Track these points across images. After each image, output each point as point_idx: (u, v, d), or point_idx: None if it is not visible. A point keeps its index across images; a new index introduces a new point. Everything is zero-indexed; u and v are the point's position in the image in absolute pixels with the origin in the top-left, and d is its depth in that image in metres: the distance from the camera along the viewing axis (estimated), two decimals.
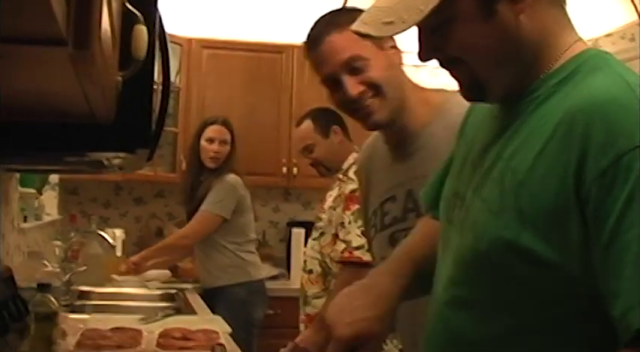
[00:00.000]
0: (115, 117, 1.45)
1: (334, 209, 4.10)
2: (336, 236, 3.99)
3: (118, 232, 5.68)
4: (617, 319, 1.33)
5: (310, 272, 4.19)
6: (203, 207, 5.12)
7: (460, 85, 1.61)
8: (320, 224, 4.22)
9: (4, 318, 2.20)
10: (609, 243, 1.34)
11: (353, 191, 3.95)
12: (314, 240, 4.23)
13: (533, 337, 1.48)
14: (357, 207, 3.89)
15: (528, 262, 1.43)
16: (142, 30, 1.45)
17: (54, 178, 5.41)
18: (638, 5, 5.91)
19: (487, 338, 1.53)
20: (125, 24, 1.43)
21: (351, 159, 4.20)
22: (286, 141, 6.28)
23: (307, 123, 4.46)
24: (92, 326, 3.42)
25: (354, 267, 3.76)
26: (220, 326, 3.64)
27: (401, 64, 2.32)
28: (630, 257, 1.31)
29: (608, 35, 6.30)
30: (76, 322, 3.47)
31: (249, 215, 5.37)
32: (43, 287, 2.69)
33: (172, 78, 6.15)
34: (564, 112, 1.43)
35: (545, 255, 1.41)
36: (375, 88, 2.24)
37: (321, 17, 2.34)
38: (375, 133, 2.49)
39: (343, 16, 2.22)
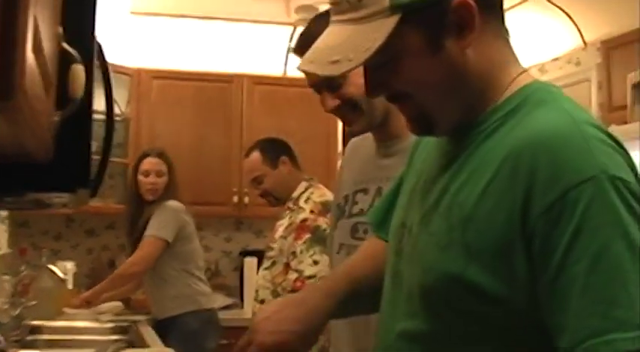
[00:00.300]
0: (54, 156, 1.44)
1: (285, 238, 4.10)
2: (287, 265, 3.99)
3: (69, 265, 5.64)
4: None
5: (262, 301, 4.15)
6: (147, 233, 5.11)
7: (408, 120, 1.61)
8: (271, 253, 4.20)
9: None
10: (555, 277, 1.34)
11: (304, 220, 4.01)
12: (265, 269, 4.21)
13: None
14: (308, 236, 3.93)
15: (475, 296, 1.44)
16: (78, 69, 1.44)
17: (3, 211, 5.36)
18: (582, 31, 6.00)
19: None
20: (62, 63, 1.43)
21: (300, 188, 4.24)
22: (237, 171, 6.27)
23: (255, 155, 4.48)
24: None
25: None
26: None
27: None
28: (576, 291, 1.32)
29: (554, 60, 6.39)
30: None
31: (195, 242, 5.36)
32: None
33: (121, 110, 6.12)
34: (510, 147, 1.44)
35: (491, 289, 1.41)
36: (350, 103, 2.36)
37: (306, 29, 2.41)
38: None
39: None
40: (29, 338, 4.50)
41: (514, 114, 1.51)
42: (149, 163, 5.27)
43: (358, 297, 1.88)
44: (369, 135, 2.52)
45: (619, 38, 5.30)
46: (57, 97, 1.41)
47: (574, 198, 1.34)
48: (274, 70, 6.69)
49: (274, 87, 6.52)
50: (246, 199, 6.35)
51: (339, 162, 2.74)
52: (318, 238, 3.87)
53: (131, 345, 4.28)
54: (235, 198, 6.39)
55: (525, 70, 1.60)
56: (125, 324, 5.00)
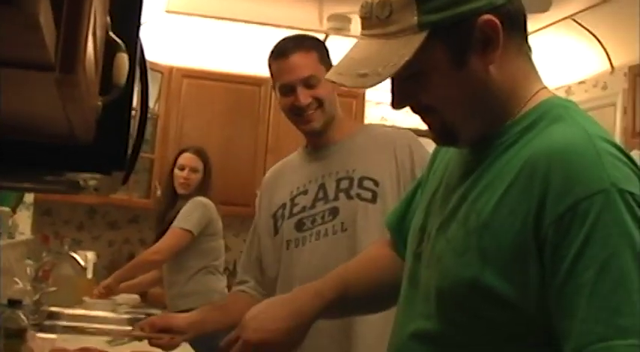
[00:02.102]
0: (94, 140, 1.50)
1: None
2: None
3: (90, 255, 5.71)
4: None
5: None
6: (173, 225, 5.20)
7: (432, 131, 1.66)
8: None
9: None
10: (563, 285, 1.40)
11: None
12: None
13: None
14: None
15: (489, 300, 1.49)
16: (123, 58, 1.51)
17: (29, 198, 5.44)
18: (611, 55, 6.04)
19: None
20: (107, 51, 1.49)
21: None
22: (261, 173, 6.32)
23: None
24: (59, 346, 3.45)
25: None
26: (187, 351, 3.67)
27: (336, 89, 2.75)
28: (582, 299, 1.37)
29: (580, 83, 6.42)
30: (43, 341, 3.49)
31: (220, 241, 5.43)
32: (13, 304, 2.71)
33: (151, 105, 6.21)
34: (526, 159, 1.49)
35: (505, 294, 1.46)
36: (319, 102, 2.73)
37: (290, 36, 2.85)
38: (284, 160, 3.02)
39: (308, 40, 2.83)
40: (47, 322, 4.57)
41: (532, 128, 1.56)
42: (185, 158, 5.40)
43: (347, 300, 1.93)
44: (288, 163, 2.92)
45: None
46: (100, 83, 1.48)
47: (584, 210, 1.39)
48: None
49: None
50: None
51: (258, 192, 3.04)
52: None
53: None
54: None
55: (545, 87, 1.65)
56: (141, 316, 5.06)
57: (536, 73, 1.66)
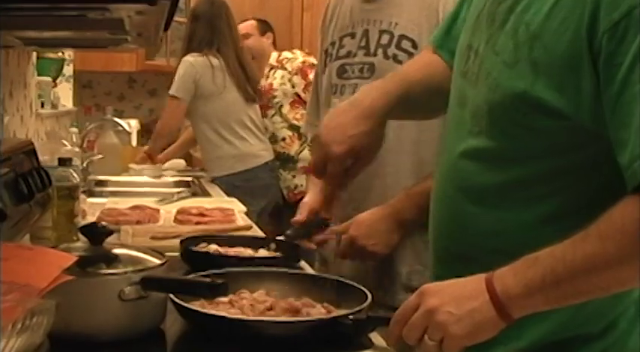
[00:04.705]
0: None
1: (285, 84, 5.43)
2: (293, 101, 5.43)
3: (133, 122, 5.71)
4: (624, 166, 1.37)
5: (283, 139, 5.43)
6: None
7: None
8: (276, 100, 5.44)
9: (29, 186, 2.25)
10: (619, 93, 1.37)
11: (302, 62, 5.45)
12: (275, 115, 5.48)
13: (540, 185, 1.54)
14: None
15: (541, 111, 1.47)
16: None
17: (68, 70, 5.43)
18: None
19: (496, 185, 1.59)
20: None
21: (274, 55, 5.64)
22: (298, 29, 6.29)
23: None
24: (110, 207, 3.49)
25: None
26: (236, 206, 3.70)
27: None
28: (638, 107, 1.35)
29: None
30: (93, 204, 3.53)
31: (219, 101, 5.14)
32: (64, 162, 2.71)
33: None
34: None
35: (557, 105, 1.45)
36: None
37: None
38: None
39: None
40: (96, 189, 4.62)
41: None
42: None
43: (411, 99, 1.91)
44: None
45: None
46: None
47: (639, 16, 1.36)
48: None
49: None
50: None
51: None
52: None
53: (194, 196, 4.38)
54: None
55: None
56: (188, 179, 5.10)
57: None
